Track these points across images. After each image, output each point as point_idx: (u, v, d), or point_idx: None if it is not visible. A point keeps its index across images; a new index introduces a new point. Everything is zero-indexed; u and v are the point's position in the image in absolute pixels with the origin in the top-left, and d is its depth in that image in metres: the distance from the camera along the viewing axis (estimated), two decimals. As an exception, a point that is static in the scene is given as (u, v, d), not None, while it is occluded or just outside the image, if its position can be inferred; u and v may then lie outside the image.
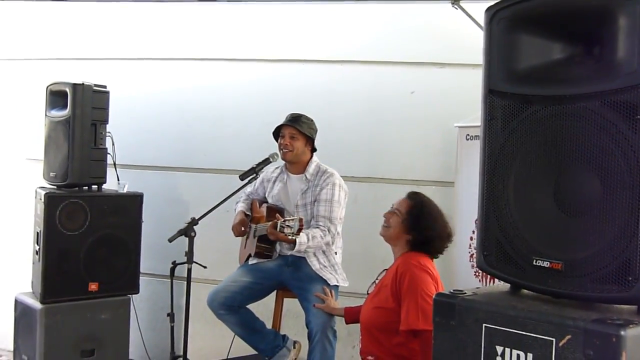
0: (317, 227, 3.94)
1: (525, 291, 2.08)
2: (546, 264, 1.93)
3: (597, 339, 1.72)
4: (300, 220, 3.57)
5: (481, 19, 2.15)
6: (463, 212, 4.36)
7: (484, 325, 1.95)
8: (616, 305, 1.91)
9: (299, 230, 3.57)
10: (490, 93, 2.07)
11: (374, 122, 4.95)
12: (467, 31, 4.42)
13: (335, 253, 4.07)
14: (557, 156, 1.92)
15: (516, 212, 2.02)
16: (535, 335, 1.84)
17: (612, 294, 1.82)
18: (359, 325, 3.36)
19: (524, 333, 1.86)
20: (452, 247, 3.41)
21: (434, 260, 3.24)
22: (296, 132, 4.04)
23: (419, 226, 3.17)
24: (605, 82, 1.81)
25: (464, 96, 4.56)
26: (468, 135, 4.42)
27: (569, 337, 1.78)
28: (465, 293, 2.06)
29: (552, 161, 1.94)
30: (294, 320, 4.62)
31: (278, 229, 3.59)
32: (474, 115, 4.30)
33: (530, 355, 1.85)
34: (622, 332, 1.67)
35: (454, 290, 2.09)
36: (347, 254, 4.22)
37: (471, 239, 4.42)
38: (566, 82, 1.90)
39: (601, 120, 1.82)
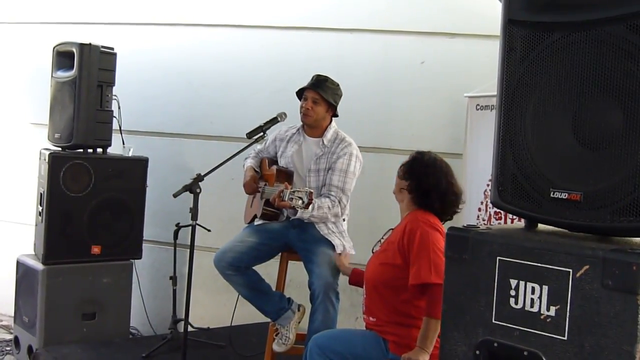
0: (328, 197, 3.86)
1: (541, 227, 2.03)
2: (564, 196, 1.87)
3: (617, 268, 1.68)
4: (310, 194, 3.44)
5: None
6: (471, 183, 4.31)
7: (498, 258, 1.90)
8: (635, 238, 1.87)
9: (308, 204, 3.46)
10: (510, 23, 2.00)
11: (383, 91, 4.90)
12: (479, 1, 4.38)
13: (344, 220, 4.00)
14: (577, 86, 1.85)
15: (533, 146, 1.96)
16: (551, 266, 1.79)
17: (632, 224, 1.76)
18: (362, 297, 3.27)
19: (539, 265, 1.81)
20: (459, 218, 3.34)
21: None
22: (319, 97, 3.94)
23: (414, 175, 3.12)
24: (631, 4, 1.74)
25: (475, 67, 4.54)
26: (478, 105, 4.37)
27: (587, 267, 1.73)
28: (479, 227, 2.01)
29: (572, 92, 1.87)
30: (297, 290, 4.56)
31: (287, 199, 3.51)
32: (484, 85, 4.27)
33: (545, 288, 1.80)
34: (643, 260, 1.62)
35: (466, 224, 2.03)
36: (353, 225, 4.15)
37: (479, 210, 4.38)
38: (590, 7, 1.82)
39: (626, 45, 1.75)
